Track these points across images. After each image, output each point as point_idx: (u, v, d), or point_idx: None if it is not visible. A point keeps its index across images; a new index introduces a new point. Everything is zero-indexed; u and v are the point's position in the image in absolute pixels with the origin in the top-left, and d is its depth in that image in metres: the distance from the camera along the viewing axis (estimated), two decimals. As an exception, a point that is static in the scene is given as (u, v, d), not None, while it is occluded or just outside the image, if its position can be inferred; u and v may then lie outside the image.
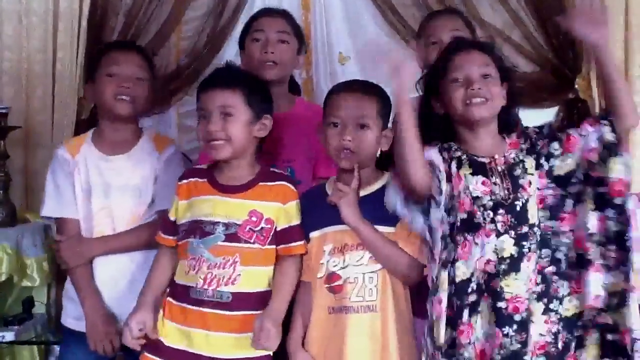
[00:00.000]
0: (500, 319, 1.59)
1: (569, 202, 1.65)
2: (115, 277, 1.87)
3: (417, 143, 1.60)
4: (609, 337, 1.61)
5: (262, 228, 1.70)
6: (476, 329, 1.61)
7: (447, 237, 1.63)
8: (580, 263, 1.62)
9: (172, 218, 1.76)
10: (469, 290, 1.61)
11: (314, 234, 1.73)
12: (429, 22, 2.16)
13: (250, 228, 1.69)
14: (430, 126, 1.74)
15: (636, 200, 2.42)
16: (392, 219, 1.67)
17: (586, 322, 1.61)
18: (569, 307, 1.62)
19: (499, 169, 1.66)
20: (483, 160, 1.67)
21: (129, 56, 1.92)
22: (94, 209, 1.89)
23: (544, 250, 1.63)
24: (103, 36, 2.76)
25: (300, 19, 2.89)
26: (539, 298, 1.61)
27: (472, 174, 1.66)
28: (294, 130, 1.93)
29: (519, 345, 1.58)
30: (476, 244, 1.62)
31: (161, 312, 1.73)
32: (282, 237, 1.73)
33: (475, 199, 1.64)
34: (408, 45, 2.82)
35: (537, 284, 1.61)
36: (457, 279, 1.62)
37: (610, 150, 1.63)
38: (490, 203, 1.63)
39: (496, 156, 1.67)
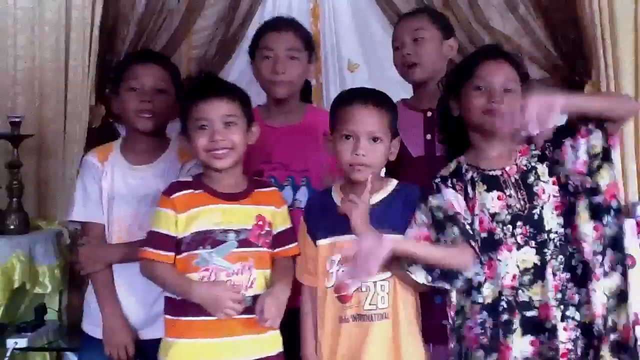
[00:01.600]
0: (534, 327, 1.59)
1: (573, 212, 1.63)
2: (133, 283, 1.87)
3: (441, 254, 1.61)
4: (612, 337, 1.61)
5: (266, 231, 1.74)
6: (512, 349, 1.60)
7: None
8: (588, 273, 1.61)
9: (170, 233, 1.71)
10: (500, 309, 1.61)
11: (321, 242, 1.73)
12: (396, 26, 2.11)
13: (258, 232, 1.72)
14: (445, 125, 1.76)
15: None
16: (399, 227, 1.67)
17: (599, 330, 1.60)
18: (587, 314, 1.61)
19: (512, 179, 1.65)
20: (495, 173, 1.66)
21: (149, 68, 1.93)
22: (115, 216, 1.91)
23: (560, 257, 1.62)
24: (115, 45, 2.78)
25: (310, 27, 2.89)
26: (558, 305, 1.61)
27: (487, 190, 1.65)
28: (308, 139, 1.93)
29: (552, 353, 1.58)
30: (499, 260, 1.62)
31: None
32: (279, 240, 1.76)
33: (493, 215, 1.63)
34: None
35: (559, 291, 1.61)
36: (486, 301, 1.61)
37: (602, 157, 1.62)
38: (509, 217, 1.63)
39: (507, 167, 1.66)
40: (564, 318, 1.60)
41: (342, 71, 2.95)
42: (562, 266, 1.62)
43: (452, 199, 1.65)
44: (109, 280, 1.88)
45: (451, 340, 1.67)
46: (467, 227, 1.63)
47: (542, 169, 1.66)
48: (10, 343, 2.27)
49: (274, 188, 1.82)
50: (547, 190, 1.64)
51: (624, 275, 1.62)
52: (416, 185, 1.74)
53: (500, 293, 1.61)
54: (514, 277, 1.61)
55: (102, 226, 1.91)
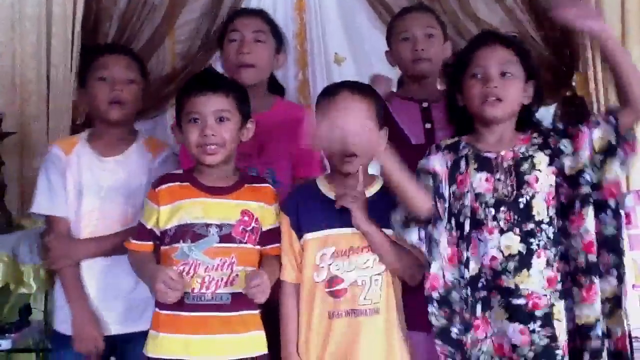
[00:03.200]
0: (522, 316, 1.59)
1: (577, 204, 1.62)
2: (101, 279, 1.86)
3: (408, 183, 1.61)
4: (607, 344, 1.59)
5: (253, 228, 1.70)
6: (491, 323, 1.61)
7: (459, 240, 1.64)
8: (590, 269, 1.59)
9: (148, 226, 1.72)
10: (479, 285, 1.62)
11: (309, 236, 1.70)
12: (400, 18, 2.10)
13: (243, 228, 1.69)
14: (453, 116, 1.77)
15: (636, 198, 2.43)
16: (388, 223, 1.67)
17: (597, 335, 1.58)
18: (581, 315, 1.60)
19: (505, 165, 1.65)
20: (489, 155, 1.67)
21: (119, 59, 1.92)
22: (84, 209, 1.88)
23: (554, 249, 1.61)
24: (97, 41, 2.74)
25: (295, 20, 2.89)
26: (561, 296, 1.60)
27: (477, 169, 1.66)
28: (274, 131, 1.91)
29: (547, 340, 1.58)
30: (480, 240, 1.63)
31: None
32: (268, 237, 1.73)
33: (477, 195, 1.64)
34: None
35: (558, 282, 1.60)
36: (468, 275, 1.63)
37: (608, 151, 1.60)
38: (492, 200, 1.63)
39: (502, 152, 1.66)
40: (567, 310, 1.60)
41: (329, 64, 2.93)
42: (557, 257, 1.61)
43: (436, 163, 1.67)
44: (76, 275, 1.86)
45: (436, 318, 1.64)
46: (441, 189, 1.65)
47: (541, 157, 1.65)
48: (-6, 344, 2.24)
49: (266, 184, 1.79)
50: (542, 179, 1.63)
51: (620, 280, 1.60)
52: None
53: (480, 270, 1.62)
54: (493, 258, 1.61)
55: (67, 220, 1.89)
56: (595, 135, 1.62)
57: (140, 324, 1.81)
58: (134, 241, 1.74)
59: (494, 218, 1.62)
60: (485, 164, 1.66)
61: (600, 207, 1.61)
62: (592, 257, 1.59)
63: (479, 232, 1.63)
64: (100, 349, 1.82)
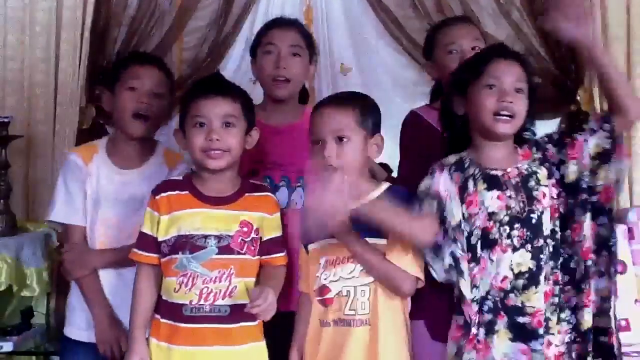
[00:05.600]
0: (525, 334, 1.58)
1: (578, 211, 1.63)
2: (118, 287, 1.86)
3: (400, 223, 1.59)
4: (602, 339, 1.61)
5: (252, 239, 1.69)
6: (492, 349, 1.59)
7: (470, 262, 1.61)
8: (587, 275, 1.61)
9: (153, 235, 1.69)
10: (485, 308, 1.60)
11: (312, 246, 1.71)
12: (445, 29, 2.00)
13: (242, 239, 1.68)
14: (447, 123, 1.74)
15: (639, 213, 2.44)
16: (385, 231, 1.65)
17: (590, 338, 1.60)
18: (582, 321, 1.60)
19: (513, 181, 1.64)
20: (496, 173, 1.65)
21: (150, 70, 1.91)
22: (99, 219, 1.88)
23: (551, 262, 1.61)
24: (105, 46, 2.76)
25: (302, 30, 2.90)
26: (553, 311, 1.60)
27: (487, 189, 1.63)
28: (305, 140, 1.84)
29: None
30: (491, 260, 1.60)
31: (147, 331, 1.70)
32: (267, 247, 1.71)
33: (491, 214, 1.62)
34: (411, 56, 2.85)
35: (554, 295, 1.61)
36: (475, 298, 1.60)
37: (602, 158, 1.61)
38: (507, 218, 1.61)
39: (508, 169, 1.65)
40: (559, 321, 1.60)
41: (335, 75, 2.94)
42: (555, 270, 1.61)
43: (441, 183, 1.64)
44: (96, 283, 1.86)
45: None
46: (445, 212, 1.62)
47: (543, 172, 1.65)
48: (-4, 347, 2.24)
49: (267, 193, 1.76)
50: (547, 194, 1.64)
51: (612, 277, 1.62)
52: (405, 188, 1.73)
53: (487, 293, 1.60)
54: (504, 278, 1.60)
55: (84, 229, 1.89)
56: (591, 143, 1.62)
57: None
58: (139, 252, 1.71)
59: (508, 236, 1.60)
60: (494, 182, 1.64)
61: (598, 211, 1.62)
62: (589, 262, 1.61)
63: (491, 252, 1.60)
64: (125, 349, 1.80)
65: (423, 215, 1.62)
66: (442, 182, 1.64)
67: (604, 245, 1.62)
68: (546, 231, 1.62)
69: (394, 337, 1.65)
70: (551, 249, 1.61)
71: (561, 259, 1.62)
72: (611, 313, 1.62)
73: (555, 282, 1.61)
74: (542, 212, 1.62)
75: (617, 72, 1.63)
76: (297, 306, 1.76)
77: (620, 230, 2.54)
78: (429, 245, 1.61)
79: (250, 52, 2.07)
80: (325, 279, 1.66)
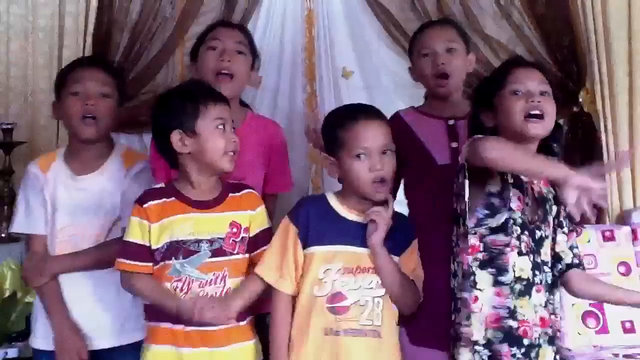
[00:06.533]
0: (510, 338, 1.59)
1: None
2: (81, 294, 1.86)
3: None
4: None
5: (242, 238, 1.70)
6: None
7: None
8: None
9: (145, 244, 1.68)
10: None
11: (317, 248, 1.68)
12: (421, 34, 2.04)
13: (233, 240, 1.69)
14: None
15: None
16: (396, 249, 1.68)
17: None
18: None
19: (535, 193, 1.67)
20: (523, 178, 1.66)
21: (93, 73, 1.91)
22: (57, 226, 1.88)
23: (549, 294, 1.65)
24: (108, 53, 2.77)
25: (304, 33, 2.90)
26: (550, 341, 1.62)
27: (512, 184, 1.65)
28: (245, 147, 1.82)
29: None
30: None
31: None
32: (254, 243, 1.72)
33: (510, 209, 1.63)
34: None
35: (550, 327, 1.63)
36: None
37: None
38: (520, 220, 1.63)
39: (534, 181, 1.68)
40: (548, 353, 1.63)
41: (336, 78, 2.93)
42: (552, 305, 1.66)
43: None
44: (55, 290, 1.85)
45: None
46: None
47: (554, 209, 1.71)
48: (1, 353, 2.24)
49: (248, 190, 1.77)
50: (551, 224, 1.69)
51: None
52: (406, 219, 1.78)
53: None
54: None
55: (45, 237, 1.89)
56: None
57: (122, 337, 1.83)
58: (130, 262, 1.68)
59: (518, 238, 1.62)
60: (518, 184, 1.65)
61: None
62: None
63: (505, 245, 1.63)
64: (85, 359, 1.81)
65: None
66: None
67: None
68: (543, 256, 1.65)
69: (397, 347, 1.68)
70: (548, 280, 1.65)
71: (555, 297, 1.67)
72: None
73: (551, 314, 1.65)
74: (546, 236, 1.66)
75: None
76: (275, 309, 1.68)
77: (624, 231, 2.54)
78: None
79: (190, 54, 2.05)
80: (343, 286, 1.64)
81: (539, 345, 1.61)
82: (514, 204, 1.63)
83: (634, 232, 2.56)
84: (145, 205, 1.69)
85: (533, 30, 2.83)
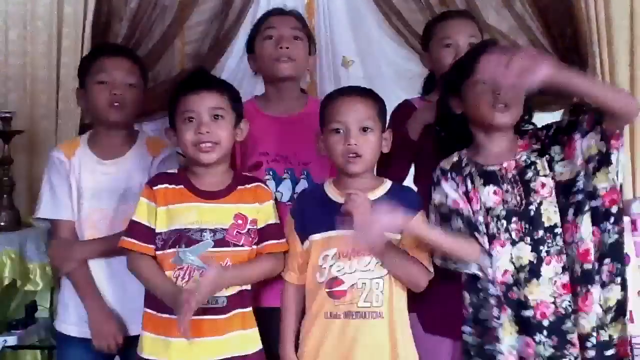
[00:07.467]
0: (530, 327, 1.58)
1: (570, 213, 1.61)
2: (112, 279, 1.86)
3: (454, 245, 1.62)
4: (608, 352, 1.59)
5: (249, 230, 1.71)
6: (502, 344, 1.60)
7: None
8: (586, 278, 1.58)
9: (150, 225, 1.69)
10: (493, 302, 1.62)
11: (314, 237, 1.70)
12: (443, 22, 2.00)
13: (237, 231, 1.69)
14: (446, 125, 1.74)
15: (642, 205, 2.42)
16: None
17: (593, 344, 1.58)
18: (578, 325, 1.59)
19: (509, 175, 1.64)
20: (493, 168, 1.66)
21: (118, 62, 1.90)
22: (85, 211, 1.88)
23: (563, 256, 1.60)
24: (107, 41, 2.76)
25: (305, 23, 2.89)
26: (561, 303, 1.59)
27: (484, 184, 1.65)
28: (309, 131, 1.82)
29: (552, 350, 1.57)
30: (491, 255, 1.61)
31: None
32: (266, 234, 1.73)
33: (488, 210, 1.63)
34: (413, 49, 2.84)
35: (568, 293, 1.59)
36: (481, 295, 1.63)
37: (599, 160, 1.58)
38: (504, 212, 1.62)
39: (505, 164, 1.65)
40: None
41: (337, 67, 2.93)
42: (562, 267, 1.59)
43: (453, 194, 1.66)
44: (86, 275, 1.85)
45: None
46: (471, 219, 1.63)
47: (543, 163, 1.64)
48: (0, 341, 2.25)
49: (257, 183, 1.77)
50: (548, 184, 1.62)
51: (624, 288, 1.59)
52: (413, 191, 1.76)
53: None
54: (505, 272, 1.61)
55: (72, 223, 1.89)
56: (584, 145, 1.59)
57: None
58: (131, 240, 1.69)
59: (506, 230, 1.61)
60: (490, 178, 1.65)
61: (602, 216, 1.59)
62: (588, 266, 1.57)
63: (492, 247, 1.62)
64: (120, 344, 1.81)
65: (463, 235, 1.63)
66: (451, 191, 1.67)
67: (611, 253, 1.59)
68: (548, 222, 1.61)
69: (408, 329, 1.68)
70: (559, 243, 1.59)
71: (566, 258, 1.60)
72: (624, 324, 1.59)
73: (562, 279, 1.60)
74: (540, 203, 1.61)
75: (594, 85, 1.60)
76: (283, 298, 1.74)
77: (624, 222, 2.53)
78: (480, 260, 1.62)
79: (246, 46, 2.05)
80: (338, 270, 1.66)
81: (575, 311, 1.57)
82: (491, 200, 1.63)
83: (633, 222, 2.55)
84: (155, 188, 1.70)
85: (535, 21, 2.81)
